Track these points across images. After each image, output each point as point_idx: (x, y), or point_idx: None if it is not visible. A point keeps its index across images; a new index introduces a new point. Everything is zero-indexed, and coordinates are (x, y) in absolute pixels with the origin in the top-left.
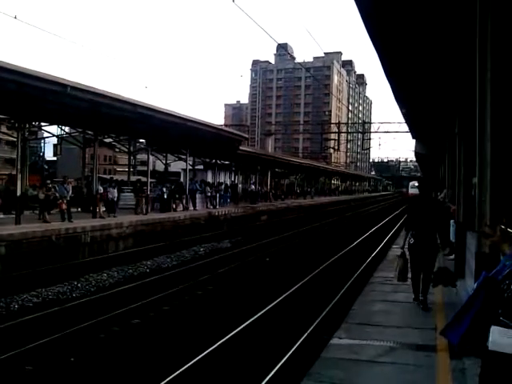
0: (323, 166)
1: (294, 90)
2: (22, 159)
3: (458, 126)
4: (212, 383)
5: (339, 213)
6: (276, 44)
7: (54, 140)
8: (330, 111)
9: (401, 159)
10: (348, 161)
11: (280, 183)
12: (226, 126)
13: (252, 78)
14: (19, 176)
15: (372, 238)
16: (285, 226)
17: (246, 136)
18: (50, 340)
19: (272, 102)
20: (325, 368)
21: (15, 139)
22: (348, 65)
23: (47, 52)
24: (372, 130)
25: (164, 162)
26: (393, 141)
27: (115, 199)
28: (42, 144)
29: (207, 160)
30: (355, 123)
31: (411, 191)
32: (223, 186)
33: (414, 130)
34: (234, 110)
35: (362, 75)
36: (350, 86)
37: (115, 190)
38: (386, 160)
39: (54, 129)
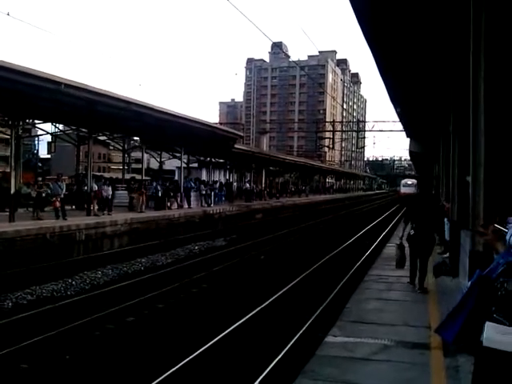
0: (318, 164)
1: (288, 89)
2: (15, 157)
3: (453, 124)
4: (207, 381)
5: (334, 211)
6: (271, 43)
7: (48, 138)
8: (325, 110)
9: (395, 158)
10: (342, 159)
11: (275, 181)
12: (220, 124)
13: (247, 77)
14: (13, 174)
15: (366, 236)
16: (279, 225)
17: (241, 134)
18: (45, 338)
19: (267, 101)
20: (319, 366)
21: (8, 137)
22: (342, 63)
23: (40, 50)
24: (366, 128)
25: (158, 159)
26: (387, 139)
27: (109, 197)
28: (36, 142)
29: (202, 158)
30: (350, 122)
31: (403, 190)
32: (218, 185)
33: (409, 129)
34: (229, 108)
35: (357, 74)
36: (344, 85)
37: (109, 188)
38: (380, 159)
39: (48, 126)
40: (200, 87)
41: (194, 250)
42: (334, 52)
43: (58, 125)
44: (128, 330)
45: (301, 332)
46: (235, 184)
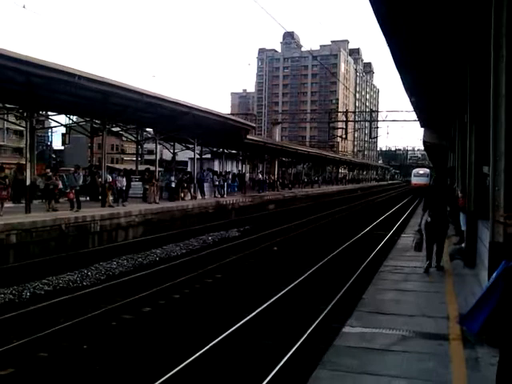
0: (330, 154)
1: (300, 79)
2: (30, 148)
3: (469, 113)
4: (222, 371)
5: (347, 202)
6: (282, 32)
7: (61, 129)
8: (338, 100)
9: (408, 148)
10: (355, 149)
11: (287, 172)
12: (232, 114)
13: (258, 67)
14: (28, 165)
15: (380, 226)
16: (292, 215)
17: (253, 125)
18: (63, 327)
19: (279, 91)
20: (338, 356)
21: (23, 128)
22: (355, 53)
23: (55, 42)
24: (380, 118)
25: (171, 151)
26: (401, 129)
27: (124, 188)
28: (50, 133)
29: (214, 149)
30: (363, 112)
31: (415, 180)
32: (231, 175)
33: (423, 119)
34: (241, 99)
35: (370, 63)
36: (357, 75)
37: (124, 179)
38: (393, 149)
39: (61, 118)
40: (212, 78)
41: (208, 240)
42: (347, 41)
43: (71, 116)
44: (145, 320)
45: (317, 322)
46: (248, 175)
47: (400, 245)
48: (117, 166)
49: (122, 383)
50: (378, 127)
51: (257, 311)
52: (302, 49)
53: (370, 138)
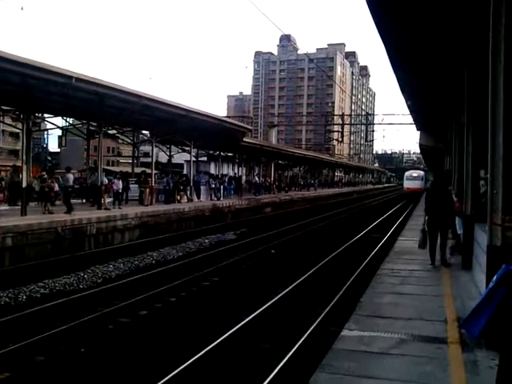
0: (327, 157)
1: (296, 82)
2: (26, 151)
3: (466, 116)
4: (221, 374)
5: (343, 205)
6: (279, 35)
7: (57, 131)
8: (334, 103)
9: (404, 151)
10: (351, 153)
11: (283, 175)
12: (228, 117)
13: (255, 70)
14: (24, 167)
15: (376, 230)
16: (289, 218)
17: (250, 127)
18: (60, 331)
19: (275, 94)
20: (337, 360)
21: (19, 131)
22: (351, 56)
23: (50, 43)
24: (376, 121)
25: (168, 153)
26: (396, 133)
27: (120, 190)
28: (46, 135)
29: (211, 152)
30: (359, 115)
31: (408, 184)
32: (227, 178)
33: (419, 122)
34: (237, 102)
35: (366, 67)
36: (353, 78)
37: (120, 182)
38: (389, 152)
39: (58, 120)
40: (209, 80)
41: (205, 243)
42: (343, 45)
43: (67, 118)
44: (141, 324)
45: (314, 325)
46: (244, 177)
47: (397, 248)
48: (113, 168)
49: None
50: (373, 130)
51: (254, 314)
52: (299, 52)
53: (366, 141)
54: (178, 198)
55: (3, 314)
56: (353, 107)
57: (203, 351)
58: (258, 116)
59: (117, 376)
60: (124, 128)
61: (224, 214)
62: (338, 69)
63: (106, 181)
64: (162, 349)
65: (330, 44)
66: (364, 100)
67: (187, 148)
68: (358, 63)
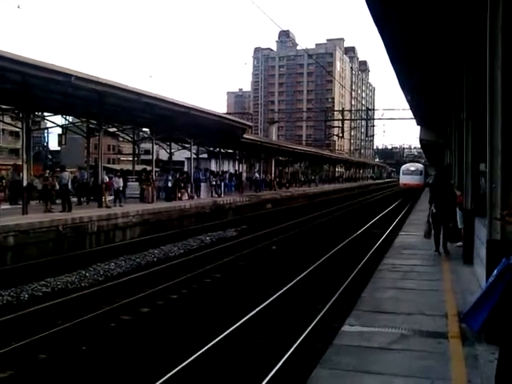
0: (327, 153)
1: (296, 77)
2: (26, 149)
3: (466, 110)
4: (224, 370)
5: (344, 200)
6: (278, 31)
7: (58, 130)
8: (333, 98)
9: (405, 146)
10: (352, 148)
11: (284, 171)
12: (228, 114)
13: (254, 66)
14: (25, 166)
15: (377, 225)
16: (290, 214)
17: (250, 124)
18: (62, 329)
19: (275, 90)
20: (337, 355)
21: (19, 129)
22: (350, 51)
23: (48, 41)
24: (376, 116)
25: (168, 151)
26: (397, 127)
27: (121, 188)
28: (46, 134)
29: (211, 149)
30: (359, 110)
31: (405, 180)
32: (228, 175)
33: (419, 117)
34: (237, 98)
35: (365, 62)
36: (352, 73)
37: (120, 180)
38: (389, 147)
39: (58, 119)
40: (208, 77)
41: (206, 240)
42: (342, 40)
43: (67, 117)
44: (143, 321)
45: (315, 321)
46: (245, 174)
47: (398, 243)
48: (114, 166)
49: None
50: (374, 125)
51: (255, 311)
52: (298, 47)
53: (367, 136)
54: (179, 195)
55: (6, 313)
56: (353, 102)
57: (205, 348)
58: (258, 112)
59: (119, 374)
60: (124, 126)
61: (225, 211)
62: (338, 64)
63: (107, 179)
64: (164, 346)
65: (329, 39)
66: (364, 95)
67: (187, 145)
68: (358, 58)
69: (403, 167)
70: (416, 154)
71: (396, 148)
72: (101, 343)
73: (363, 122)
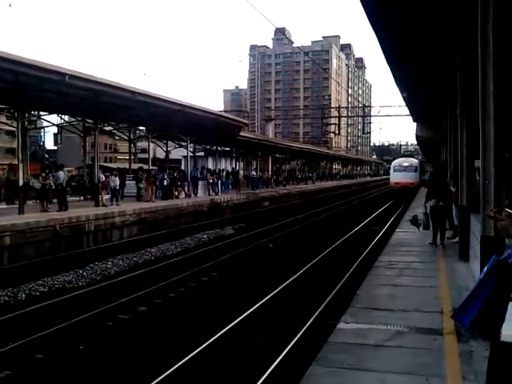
0: (324, 150)
1: (292, 75)
2: (22, 149)
3: (460, 107)
4: (221, 368)
5: (341, 198)
6: (274, 28)
7: (55, 129)
8: (330, 95)
9: (402, 143)
10: (349, 145)
11: (281, 169)
12: (225, 111)
13: (250, 63)
14: (21, 166)
15: (374, 222)
16: (287, 212)
17: (246, 122)
18: (59, 329)
19: (271, 87)
20: (332, 353)
21: (15, 129)
22: (347, 48)
23: (41, 39)
24: (372, 113)
25: (165, 149)
26: (393, 124)
27: (117, 187)
28: (42, 133)
29: (208, 147)
30: (355, 107)
31: (396, 178)
32: (224, 173)
33: (415, 114)
34: (233, 96)
35: (361, 59)
36: (349, 70)
37: (117, 178)
38: (386, 144)
39: (54, 118)
40: (204, 75)
41: (203, 238)
42: (338, 37)
43: (63, 116)
44: (141, 320)
45: (312, 319)
46: (242, 172)
47: (394, 240)
48: (110, 165)
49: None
50: (370, 122)
51: (252, 309)
52: (294, 45)
53: (363, 133)
54: (176, 193)
55: (3, 313)
56: (349, 99)
57: (202, 346)
58: (254, 110)
59: (116, 373)
60: (120, 124)
61: (222, 209)
62: (334, 61)
63: (103, 177)
64: (161, 344)
65: (325, 36)
66: (360, 92)
67: (184, 143)
68: (354, 55)
69: (394, 162)
70: (413, 150)
71: (393, 145)
72: (98, 342)
73: (360, 119)
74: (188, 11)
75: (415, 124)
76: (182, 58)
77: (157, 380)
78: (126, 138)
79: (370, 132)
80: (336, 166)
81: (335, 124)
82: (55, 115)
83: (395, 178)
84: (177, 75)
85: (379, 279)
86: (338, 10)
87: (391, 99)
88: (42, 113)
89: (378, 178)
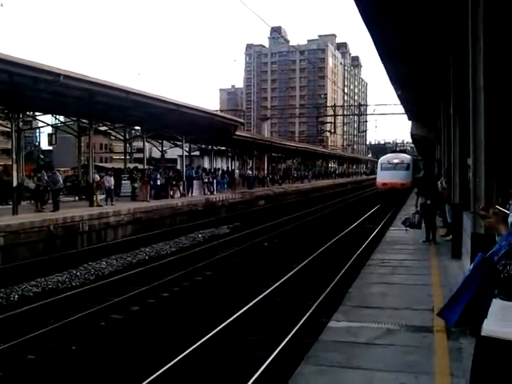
0: (320, 149)
1: (288, 74)
2: (16, 149)
3: (453, 105)
4: (213, 367)
5: (336, 196)
6: (269, 28)
7: (50, 129)
8: (326, 94)
9: (397, 141)
10: (345, 144)
11: (277, 168)
12: (221, 111)
13: (246, 62)
14: (15, 166)
15: (370, 220)
16: (283, 211)
17: (242, 121)
18: (51, 329)
19: (267, 86)
20: (323, 351)
21: (9, 129)
22: (342, 47)
23: (35, 39)
24: (368, 112)
25: (160, 148)
26: (389, 122)
27: (112, 187)
28: (38, 133)
29: (203, 146)
30: (351, 106)
31: (384, 178)
32: (220, 172)
33: (410, 112)
34: (230, 95)
35: (357, 57)
36: (345, 69)
37: (111, 178)
38: (382, 142)
39: (49, 118)
40: (200, 75)
41: (198, 238)
42: (334, 36)
43: (58, 116)
44: (134, 320)
45: (305, 318)
46: (237, 171)
47: (388, 238)
48: (106, 164)
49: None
50: (366, 121)
51: (245, 308)
52: (290, 43)
53: (359, 131)
54: (171, 193)
55: None
56: (345, 98)
57: (194, 345)
58: (250, 109)
59: (108, 373)
60: (115, 124)
61: (217, 208)
62: (330, 60)
63: (98, 178)
64: (154, 344)
65: (321, 35)
66: (356, 91)
67: (179, 143)
68: (350, 54)
69: (382, 159)
70: (409, 148)
71: (389, 143)
72: (90, 342)
73: (355, 118)
74: (183, 10)
75: (410, 122)
76: (178, 58)
77: (149, 379)
78: (122, 138)
79: (365, 130)
80: (332, 165)
81: (331, 123)
82: (50, 115)
83: (383, 177)
84: (172, 75)
85: (372, 277)
86: (334, 8)
87: (387, 97)
88: (36, 113)
89: (374, 176)
